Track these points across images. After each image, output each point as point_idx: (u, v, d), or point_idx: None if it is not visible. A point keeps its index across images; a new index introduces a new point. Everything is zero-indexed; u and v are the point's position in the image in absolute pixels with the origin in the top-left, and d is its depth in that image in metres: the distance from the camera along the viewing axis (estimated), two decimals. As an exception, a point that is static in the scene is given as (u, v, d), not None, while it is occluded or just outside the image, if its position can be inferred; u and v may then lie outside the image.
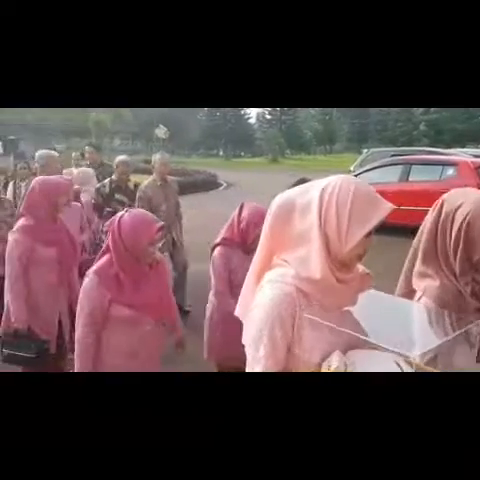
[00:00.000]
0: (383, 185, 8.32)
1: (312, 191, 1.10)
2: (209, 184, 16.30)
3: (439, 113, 43.98)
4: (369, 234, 1.05)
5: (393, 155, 10.27)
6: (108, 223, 1.95)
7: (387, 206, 1.05)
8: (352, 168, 11.78)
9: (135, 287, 1.91)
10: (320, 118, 54.72)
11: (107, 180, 4.62)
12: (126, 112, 41.89)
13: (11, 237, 2.59)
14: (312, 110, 56.39)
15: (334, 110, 53.61)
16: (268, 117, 53.89)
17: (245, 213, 2.35)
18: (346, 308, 1.13)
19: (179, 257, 4.70)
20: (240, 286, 2.15)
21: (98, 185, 4.57)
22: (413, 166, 8.23)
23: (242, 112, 52.87)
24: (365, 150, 13.81)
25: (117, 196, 4.53)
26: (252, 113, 59.29)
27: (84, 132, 36.85)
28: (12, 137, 31.53)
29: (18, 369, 2.55)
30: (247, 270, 2.11)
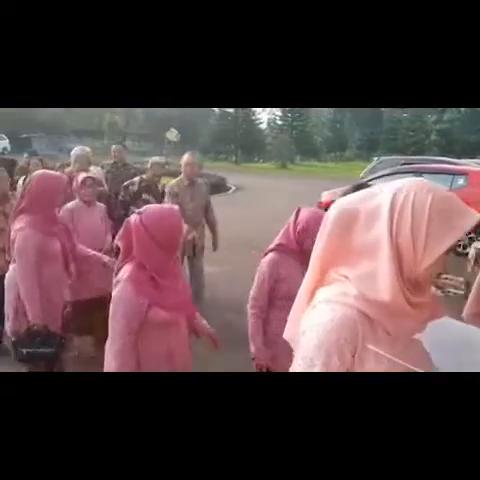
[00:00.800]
0: (392, 193, 8.34)
1: (379, 196, 0.95)
2: (218, 187, 16.36)
3: (451, 123, 43.83)
4: (449, 249, 0.89)
5: (403, 163, 10.28)
6: (119, 235, 1.84)
7: (474, 215, 0.89)
8: (362, 175, 11.78)
9: (169, 287, 1.82)
10: (331, 125, 54.75)
11: (137, 178, 4.60)
12: (139, 114, 42.21)
13: (20, 234, 2.54)
14: (323, 117, 56.44)
15: (346, 117, 53.61)
16: (279, 123, 53.96)
17: (302, 217, 2.21)
18: (415, 336, 0.96)
19: (198, 261, 4.55)
20: (285, 298, 2.12)
21: (126, 182, 4.57)
22: (423, 175, 8.20)
23: (253, 117, 52.96)
24: (375, 158, 13.78)
25: (144, 196, 4.46)
26: (263, 118, 59.35)
27: (96, 132, 37.19)
28: (25, 135, 31.89)
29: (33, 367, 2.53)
30: (297, 280, 2.03)
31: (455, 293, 5.36)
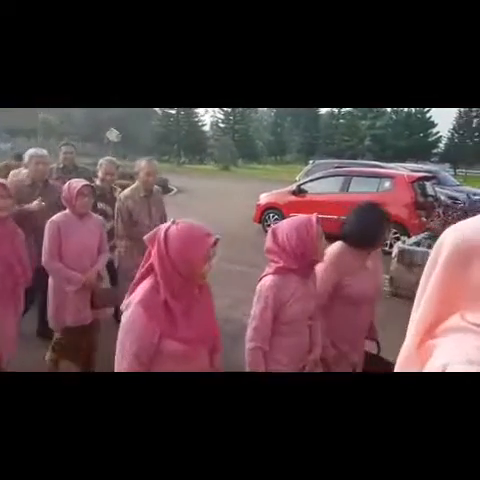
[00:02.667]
0: (325, 195, 8.74)
1: None
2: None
3: (384, 129, 46.22)
4: None
5: (336, 167, 10.77)
6: (149, 236, 1.59)
7: None
8: (297, 178, 12.20)
9: (187, 316, 1.58)
10: (272, 129, 55.88)
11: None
12: (76, 113, 40.79)
13: None
14: (264, 121, 57.44)
15: (286, 121, 54.93)
16: (222, 125, 54.27)
17: (289, 231, 1.95)
18: None
19: None
20: (290, 323, 1.99)
21: None
22: (353, 178, 8.65)
23: (196, 119, 52.89)
24: (311, 161, 14.31)
25: (100, 205, 3.95)
26: (206, 120, 59.18)
27: (30, 132, 35.50)
28: None
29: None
30: (302, 300, 2.00)
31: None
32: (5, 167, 6.21)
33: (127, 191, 3.78)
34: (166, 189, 17.24)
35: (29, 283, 2.64)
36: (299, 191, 9.16)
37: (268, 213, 9.49)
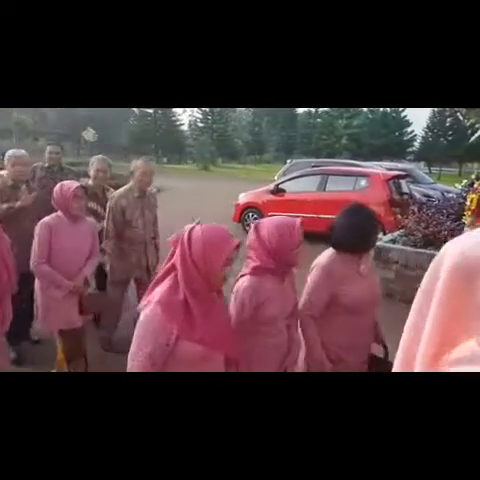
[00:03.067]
0: (302, 194, 8.84)
1: None
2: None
3: (360, 128, 46.89)
4: None
5: (314, 166, 10.88)
6: (173, 237, 1.58)
7: None
8: (276, 177, 12.30)
9: (206, 317, 1.54)
10: (250, 128, 56.01)
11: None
12: (50, 113, 40.08)
13: None
14: (243, 120, 57.54)
15: (263, 121, 55.13)
16: (200, 125, 54.10)
17: (270, 229, 1.94)
18: None
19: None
20: (270, 322, 1.96)
21: None
22: (330, 177, 8.77)
23: (173, 118, 52.59)
24: (289, 160, 14.42)
25: (91, 205, 3.83)
26: (184, 120, 58.89)
27: (4, 132, 34.74)
28: None
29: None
30: (281, 298, 1.98)
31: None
32: None
33: (121, 190, 3.71)
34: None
35: (15, 290, 2.53)
36: (277, 190, 9.24)
37: (247, 212, 9.54)
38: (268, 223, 1.98)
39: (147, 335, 1.49)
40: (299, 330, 2.17)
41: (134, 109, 47.86)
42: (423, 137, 48.90)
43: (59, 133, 36.91)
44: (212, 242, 1.51)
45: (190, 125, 55.84)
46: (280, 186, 9.31)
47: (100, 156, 4.10)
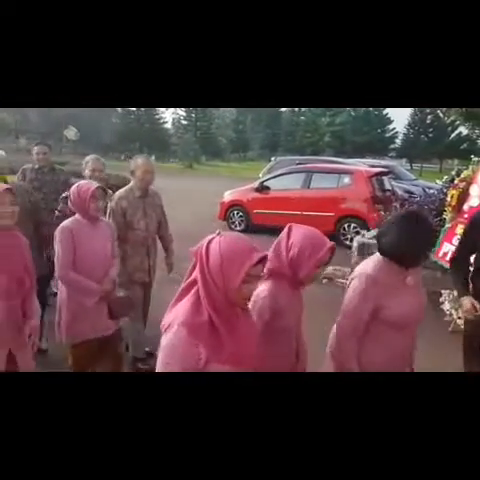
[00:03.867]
0: (287, 192, 8.91)
1: None
2: (122, 188, 15.93)
3: (343, 125, 47.24)
4: None
5: (298, 163, 10.95)
6: (195, 248, 1.43)
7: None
8: (261, 175, 12.34)
9: (232, 335, 1.42)
10: (234, 126, 55.94)
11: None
12: (31, 111, 39.45)
13: None
14: (226, 118, 57.43)
15: (247, 119, 55.12)
16: (184, 122, 53.82)
17: (295, 240, 1.84)
18: None
19: (150, 290, 3.71)
20: (283, 331, 1.86)
21: (65, 194, 3.48)
22: (314, 174, 8.84)
23: (157, 116, 52.21)
24: (273, 158, 14.47)
25: None
26: (167, 118, 58.40)
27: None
28: None
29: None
30: (295, 312, 1.88)
31: (342, 282, 5.93)
32: None
33: (121, 191, 3.52)
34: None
35: (36, 290, 2.43)
36: (262, 188, 9.28)
37: (232, 210, 9.57)
38: (301, 230, 1.88)
39: (173, 362, 1.35)
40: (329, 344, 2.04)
41: (117, 108, 47.38)
42: (404, 134, 49.48)
43: (40, 132, 36.39)
44: (230, 256, 1.35)
45: (174, 123, 55.53)
46: (265, 184, 9.35)
47: (94, 156, 3.92)
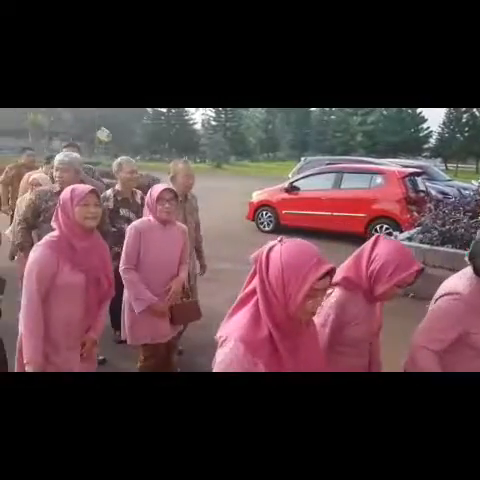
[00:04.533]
0: (317, 192, 8.78)
1: None
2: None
3: (375, 125, 46.44)
4: None
5: (328, 163, 10.80)
6: (255, 255, 1.29)
7: None
8: (290, 175, 12.24)
9: (294, 354, 1.29)
10: (263, 126, 55.87)
11: (110, 191, 3.62)
12: (66, 113, 40.55)
13: (37, 249, 2.13)
14: (256, 118, 57.42)
15: (277, 118, 54.96)
16: (213, 123, 54.16)
17: (380, 254, 1.68)
18: None
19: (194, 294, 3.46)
20: (353, 344, 1.72)
21: (105, 193, 3.52)
22: (345, 174, 8.69)
23: (186, 117, 52.78)
24: (303, 158, 14.33)
25: (123, 212, 3.57)
26: (197, 118, 59.03)
27: (20, 132, 35.25)
28: None
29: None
30: (368, 324, 1.75)
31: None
32: (16, 167, 5.90)
33: None
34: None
35: (113, 295, 2.39)
36: (291, 188, 9.19)
37: (261, 211, 9.51)
38: (389, 244, 1.71)
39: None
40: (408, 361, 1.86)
41: (147, 109, 48.15)
42: (439, 133, 48.20)
43: (73, 133, 37.40)
44: (292, 268, 1.19)
45: (203, 124, 55.96)
46: (294, 184, 9.25)
47: (126, 157, 3.80)
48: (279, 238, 1.28)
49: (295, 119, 52.44)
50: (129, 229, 2.73)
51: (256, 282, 1.26)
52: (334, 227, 8.24)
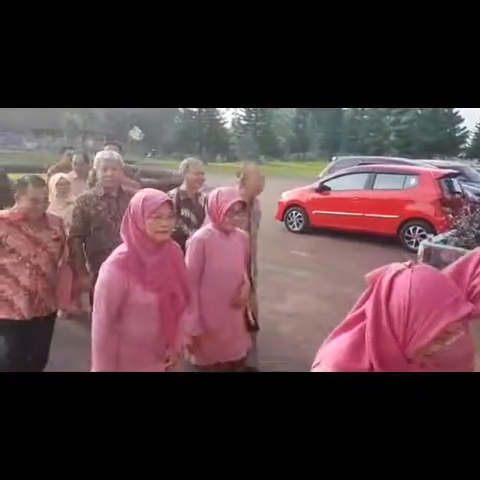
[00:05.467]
0: (349, 192, 8.63)
1: None
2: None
3: (409, 124, 45.41)
4: None
5: (360, 163, 10.61)
6: (373, 273, 1.11)
7: None
8: (321, 175, 12.09)
9: None
10: (294, 125, 55.56)
11: (174, 191, 3.44)
12: (99, 112, 41.44)
13: (105, 268, 1.95)
14: (286, 117, 57.16)
15: (308, 118, 54.51)
16: (243, 122, 54.25)
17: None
18: None
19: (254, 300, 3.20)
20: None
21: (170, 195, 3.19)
22: (378, 174, 8.51)
23: (217, 117, 53.04)
24: (334, 158, 14.15)
25: (184, 212, 3.40)
26: (227, 118, 59.41)
27: (55, 131, 36.25)
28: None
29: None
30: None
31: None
32: (57, 169, 5.58)
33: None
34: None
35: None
36: (322, 188, 9.07)
37: (291, 211, 9.43)
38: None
39: None
40: None
41: (179, 108, 48.66)
42: (476, 134, 46.72)
43: (106, 132, 38.21)
44: (425, 301, 0.99)
45: (233, 123, 56.13)
46: (325, 184, 9.13)
47: (193, 159, 3.64)
48: (409, 263, 1.08)
49: (326, 118, 51.87)
50: (191, 243, 2.47)
51: (368, 307, 1.07)
52: (365, 228, 8.08)
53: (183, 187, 3.51)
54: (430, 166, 10.66)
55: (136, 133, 27.47)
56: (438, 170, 8.95)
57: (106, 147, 4.26)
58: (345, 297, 4.99)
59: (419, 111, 47.80)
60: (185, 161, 3.60)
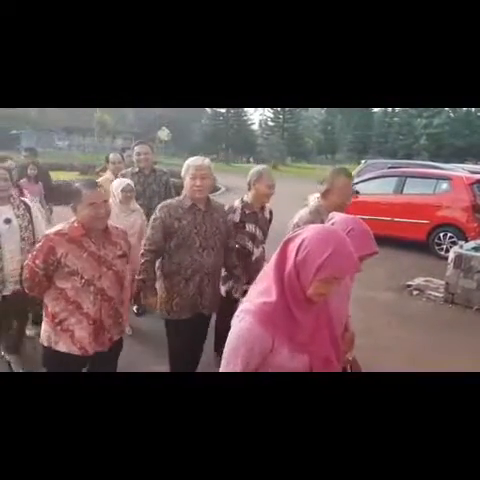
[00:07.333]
0: (378, 196, 8.46)
1: None
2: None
3: (440, 128, 44.38)
4: None
5: (390, 167, 10.40)
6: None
7: None
8: (349, 178, 11.90)
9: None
10: (322, 127, 55.09)
11: (238, 202, 3.14)
12: (129, 113, 42.12)
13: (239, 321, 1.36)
14: (314, 119, 56.75)
15: (337, 120, 53.95)
16: (271, 124, 54.14)
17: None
18: None
19: None
20: None
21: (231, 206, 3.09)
22: (408, 179, 8.32)
23: (245, 118, 53.12)
24: (363, 161, 13.94)
25: (249, 227, 3.09)
26: (255, 119, 59.49)
27: (86, 130, 37.00)
28: (14, 131, 31.63)
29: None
30: None
31: (435, 296, 5.48)
32: (102, 169, 5.59)
33: (303, 211, 2.70)
34: (214, 188, 17.43)
35: None
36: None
37: (317, 214, 9.32)
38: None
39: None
40: None
41: (207, 109, 48.97)
42: (512, 137, 45.26)
43: (135, 132, 38.78)
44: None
45: (261, 124, 56.09)
46: (354, 187, 8.97)
47: (268, 167, 3.34)
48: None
49: (356, 120, 51.22)
50: None
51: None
52: (394, 233, 7.89)
53: (248, 199, 3.13)
54: (462, 171, 10.36)
55: (164, 133, 27.79)
56: (471, 175, 8.70)
57: (136, 147, 4.12)
58: (368, 301, 4.87)
59: (451, 114, 46.65)
60: (259, 168, 3.16)
